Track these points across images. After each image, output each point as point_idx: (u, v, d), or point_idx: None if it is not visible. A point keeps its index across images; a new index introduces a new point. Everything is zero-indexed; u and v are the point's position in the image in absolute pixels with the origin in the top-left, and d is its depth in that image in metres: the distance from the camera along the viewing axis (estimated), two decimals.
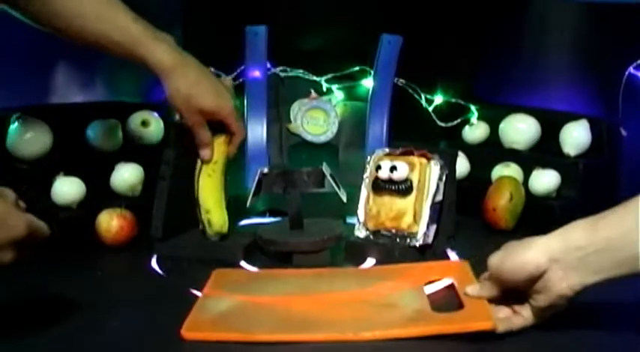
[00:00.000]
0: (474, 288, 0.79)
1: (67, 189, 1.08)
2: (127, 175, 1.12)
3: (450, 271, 0.86)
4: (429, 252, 0.98)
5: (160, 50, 0.93)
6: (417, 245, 0.97)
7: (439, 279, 0.85)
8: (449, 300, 0.80)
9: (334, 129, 1.28)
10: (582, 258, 0.69)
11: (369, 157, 1.05)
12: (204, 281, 0.87)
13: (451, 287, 0.83)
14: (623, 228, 0.68)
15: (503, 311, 0.75)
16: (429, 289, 0.83)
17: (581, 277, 0.69)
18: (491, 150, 1.26)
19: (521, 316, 0.74)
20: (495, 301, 0.76)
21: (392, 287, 0.83)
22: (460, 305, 0.77)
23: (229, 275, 0.89)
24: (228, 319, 0.76)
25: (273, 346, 0.71)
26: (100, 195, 1.10)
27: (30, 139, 1.09)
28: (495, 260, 0.75)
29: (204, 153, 0.99)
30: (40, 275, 0.91)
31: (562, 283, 0.70)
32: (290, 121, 1.29)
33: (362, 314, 0.77)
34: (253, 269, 0.95)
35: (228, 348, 0.71)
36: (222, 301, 0.81)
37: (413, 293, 0.81)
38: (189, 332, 0.73)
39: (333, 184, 1.01)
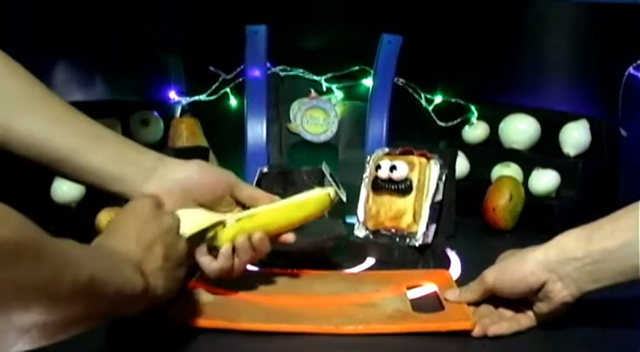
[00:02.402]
0: (454, 293, 0.79)
1: (67, 188, 1.08)
2: None
3: (432, 278, 0.87)
4: (428, 252, 0.98)
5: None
6: (417, 244, 0.97)
7: (421, 285, 0.86)
8: (430, 304, 0.81)
9: (334, 128, 1.28)
10: (580, 268, 0.69)
11: (368, 157, 1.05)
12: None
13: (433, 293, 0.84)
14: (620, 239, 0.68)
15: (505, 314, 0.75)
16: (412, 294, 0.84)
17: (581, 286, 0.70)
18: (491, 150, 1.26)
19: (517, 321, 0.74)
20: (476, 304, 0.77)
21: (375, 290, 0.84)
22: (441, 309, 0.78)
23: None
24: (212, 308, 0.78)
25: (256, 335, 0.72)
26: (100, 194, 1.10)
27: None
28: (492, 275, 0.75)
29: None
30: None
31: (563, 292, 0.70)
32: (290, 121, 1.29)
33: (344, 310, 0.78)
34: (253, 268, 0.95)
35: (213, 335, 0.72)
36: (207, 294, 0.82)
37: (395, 296, 0.82)
38: (175, 317, 0.75)
39: (333, 184, 1.01)
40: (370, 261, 0.98)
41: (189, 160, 0.84)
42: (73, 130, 0.77)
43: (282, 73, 1.30)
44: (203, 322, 0.74)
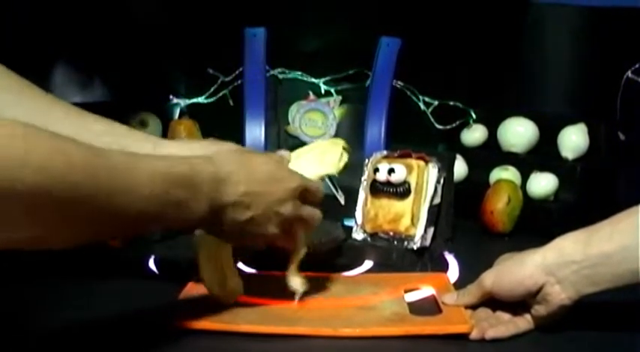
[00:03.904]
0: (451, 297, 0.79)
1: None
2: None
3: (430, 282, 0.87)
4: (426, 255, 0.98)
5: None
6: (415, 248, 0.97)
7: (419, 288, 0.86)
8: (428, 307, 0.81)
9: (332, 131, 1.28)
10: (578, 271, 0.69)
11: (367, 159, 1.05)
12: None
13: (431, 296, 0.84)
14: (619, 243, 0.68)
15: (503, 317, 0.75)
16: (410, 297, 0.84)
17: (579, 289, 0.70)
18: (490, 154, 1.26)
19: (515, 324, 0.74)
20: (473, 307, 0.77)
21: (373, 293, 0.84)
22: (439, 312, 0.78)
23: None
24: (210, 310, 0.77)
25: (254, 337, 0.73)
26: None
27: None
28: (490, 278, 0.75)
29: None
30: (38, 274, 0.91)
31: (560, 295, 0.70)
32: (288, 123, 1.29)
33: (342, 313, 0.78)
34: (251, 270, 0.95)
35: (211, 337, 0.72)
36: (206, 296, 0.82)
37: (393, 299, 0.82)
38: (173, 319, 0.75)
39: (331, 186, 1.01)
40: (368, 264, 0.98)
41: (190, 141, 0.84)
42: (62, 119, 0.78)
43: (280, 76, 1.30)
44: (201, 324, 0.74)
